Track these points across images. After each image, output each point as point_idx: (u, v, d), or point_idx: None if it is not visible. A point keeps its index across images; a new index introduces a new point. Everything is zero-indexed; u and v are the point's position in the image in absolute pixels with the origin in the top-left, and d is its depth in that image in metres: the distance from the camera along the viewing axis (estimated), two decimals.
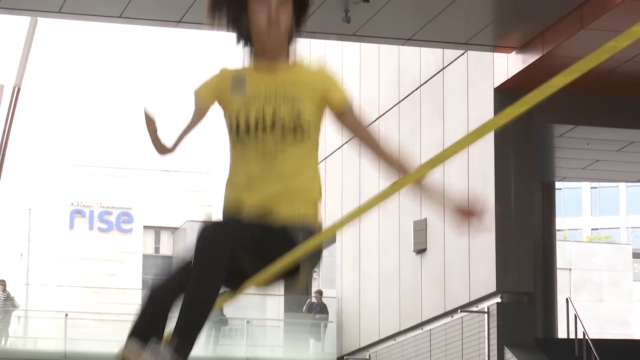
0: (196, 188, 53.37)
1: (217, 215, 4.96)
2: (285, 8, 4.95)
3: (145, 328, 4.83)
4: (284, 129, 4.90)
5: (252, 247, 4.77)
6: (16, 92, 24.76)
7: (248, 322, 37.12)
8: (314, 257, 4.92)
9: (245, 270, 4.84)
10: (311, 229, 4.84)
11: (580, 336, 26.33)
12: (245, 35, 5.01)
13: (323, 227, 4.95)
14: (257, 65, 5.03)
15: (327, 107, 5.02)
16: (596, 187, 55.04)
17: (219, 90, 5.01)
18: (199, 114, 5.06)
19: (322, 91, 5.00)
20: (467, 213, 4.84)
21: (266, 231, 4.76)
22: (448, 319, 27.43)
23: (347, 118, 5.02)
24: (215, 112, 5.05)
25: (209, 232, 4.71)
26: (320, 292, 33.85)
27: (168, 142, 5.03)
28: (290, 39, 5.04)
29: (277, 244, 4.73)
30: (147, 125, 4.79)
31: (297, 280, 4.87)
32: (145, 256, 50.70)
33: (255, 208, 4.84)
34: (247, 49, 5.07)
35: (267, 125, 4.89)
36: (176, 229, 52.22)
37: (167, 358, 4.56)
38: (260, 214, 4.81)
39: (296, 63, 5.09)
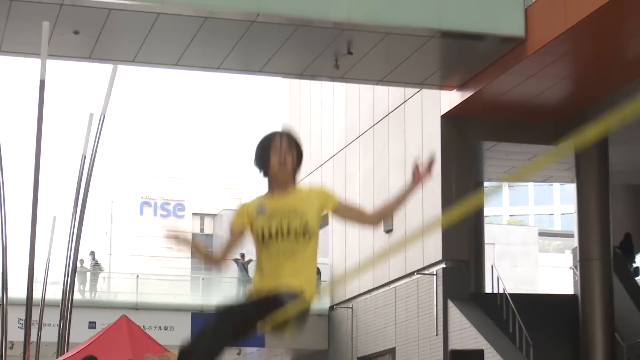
0: (229, 186, 52.90)
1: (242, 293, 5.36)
2: (290, 155, 5.25)
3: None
4: (296, 235, 5.11)
5: (260, 316, 5.00)
6: (102, 118, 24.58)
7: None
8: (302, 319, 5.17)
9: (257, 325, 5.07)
10: (305, 301, 5.08)
11: (501, 291, 26.25)
12: (267, 173, 5.28)
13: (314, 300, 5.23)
14: (273, 192, 5.26)
15: (325, 211, 5.26)
16: (512, 186, 54.95)
17: (246, 219, 5.22)
18: (236, 238, 5.30)
19: (319, 203, 5.25)
20: (421, 172, 5.14)
21: (272, 303, 4.96)
22: (408, 279, 27.23)
23: (340, 210, 5.35)
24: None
25: (226, 313, 5.06)
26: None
27: (216, 255, 5.43)
28: (294, 174, 5.33)
29: (275, 306, 4.95)
30: (192, 248, 5.32)
31: (287, 330, 5.14)
32: (193, 234, 50.35)
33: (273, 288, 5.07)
34: (267, 181, 5.31)
35: (284, 233, 5.10)
36: (215, 215, 51.95)
37: None
38: (275, 290, 5.05)
39: (299, 187, 5.35)
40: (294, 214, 5.15)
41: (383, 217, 5.44)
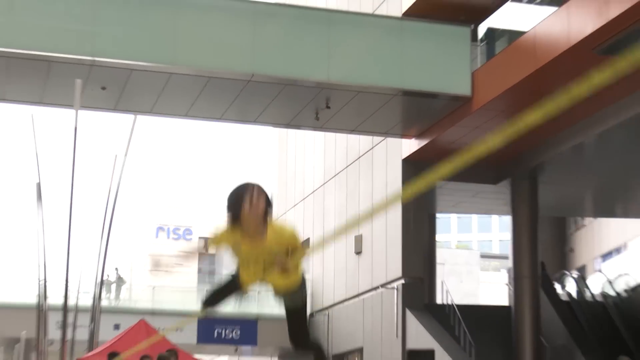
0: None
1: None
2: (260, 203, 5.11)
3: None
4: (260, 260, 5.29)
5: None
6: (125, 159, 24.61)
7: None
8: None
9: None
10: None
11: (449, 303, 26.26)
12: (238, 217, 5.17)
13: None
14: (244, 233, 5.22)
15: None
16: (460, 216, 55.31)
17: (222, 245, 5.48)
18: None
19: (287, 244, 5.28)
20: None
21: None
22: (374, 292, 27.18)
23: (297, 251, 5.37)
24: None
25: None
26: None
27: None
28: (264, 218, 5.20)
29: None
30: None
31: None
32: (199, 255, 50.88)
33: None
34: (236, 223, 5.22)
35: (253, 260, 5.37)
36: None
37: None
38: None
39: (271, 229, 5.24)
40: (265, 255, 5.23)
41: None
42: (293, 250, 5.28)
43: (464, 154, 3.34)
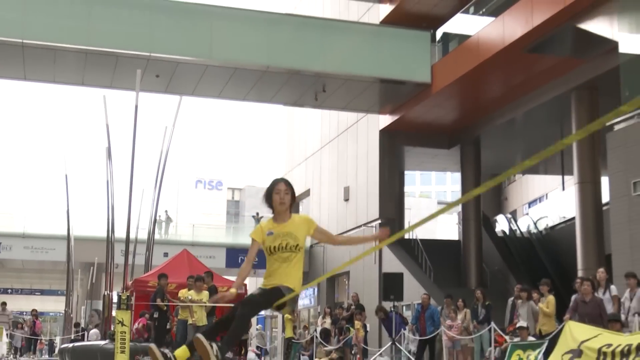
0: (249, 171, 53.14)
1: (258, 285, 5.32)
2: (287, 196, 5.09)
3: (211, 334, 4.97)
4: (290, 250, 5.02)
5: (269, 302, 5.07)
6: (173, 129, 24.52)
7: None
8: (294, 301, 5.23)
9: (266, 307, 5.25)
10: (294, 291, 5.03)
11: (414, 237, 25.81)
12: (271, 206, 5.13)
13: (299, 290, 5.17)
14: (277, 220, 5.12)
15: (308, 233, 5.10)
16: (422, 173, 54.86)
17: (260, 237, 5.08)
18: (256, 246, 5.16)
19: (306, 228, 5.09)
20: (382, 235, 5.23)
21: (276, 294, 4.99)
22: (358, 229, 26.77)
23: (317, 234, 5.14)
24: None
25: (249, 300, 5.13)
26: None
27: (245, 270, 5.36)
28: (290, 207, 5.14)
29: (278, 297, 4.99)
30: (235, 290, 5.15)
31: (285, 310, 5.23)
32: (227, 201, 50.36)
33: (273, 285, 5.05)
34: (271, 213, 5.18)
35: (284, 248, 5.03)
36: (242, 188, 51.98)
37: (218, 348, 4.72)
38: (275, 286, 5.03)
39: (293, 216, 5.16)
40: (290, 236, 5.05)
41: (344, 244, 5.54)
42: (309, 229, 5.13)
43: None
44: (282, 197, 5.09)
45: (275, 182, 5.17)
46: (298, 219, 5.18)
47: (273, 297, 5.01)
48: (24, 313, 38.31)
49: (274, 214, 5.18)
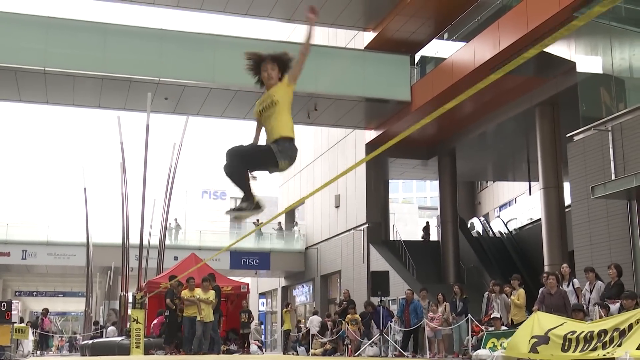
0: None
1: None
2: (273, 71, 4.78)
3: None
4: (268, 107, 4.67)
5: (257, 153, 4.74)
6: (180, 146, 24.58)
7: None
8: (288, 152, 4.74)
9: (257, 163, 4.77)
10: (284, 141, 4.67)
11: (398, 239, 26.07)
12: (260, 80, 4.86)
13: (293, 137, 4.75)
14: (265, 90, 4.79)
15: (290, 86, 4.76)
16: (404, 181, 54.70)
17: (257, 107, 4.78)
18: (259, 118, 4.85)
19: (285, 85, 4.74)
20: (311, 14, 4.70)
21: (265, 150, 4.66)
22: (348, 232, 26.84)
23: (292, 78, 4.77)
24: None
25: (232, 150, 4.68)
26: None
27: (256, 135, 4.94)
28: (279, 77, 4.79)
29: (269, 155, 4.63)
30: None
31: (283, 165, 4.74)
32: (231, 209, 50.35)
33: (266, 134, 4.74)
34: (260, 84, 4.88)
35: (266, 106, 4.71)
36: None
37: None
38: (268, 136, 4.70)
39: (279, 83, 4.77)
40: (269, 97, 4.72)
41: (304, 52, 4.72)
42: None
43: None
44: (269, 73, 4.79)
45: (260, 61, 4.83)
46: (279, 84, 4.82)
47: (262, 151, 4.73)
48: (50, 313, 38.07)
49: (263, 86, 4.92)
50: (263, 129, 4.87)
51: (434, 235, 29.15)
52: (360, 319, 17.80)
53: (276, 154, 4.65)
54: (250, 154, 4.76)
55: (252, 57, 4.86)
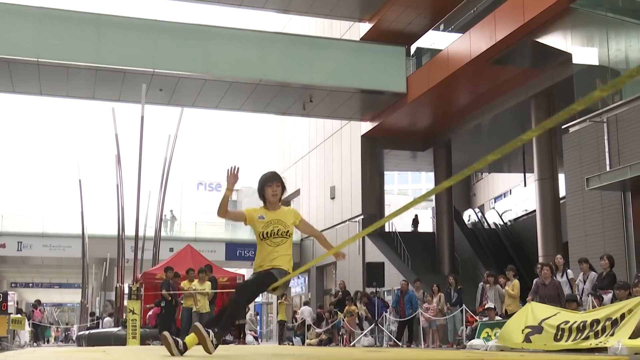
0: (245, 173, 52.80)
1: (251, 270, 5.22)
2: (279, 189, 5.06)
3: (213, 323, 4.84)
4: (282, 235, 4.99)
5: (263, 284, 4.95)
6: (175, 137, 24.53)
7: None
8: (286, 285, 5.16)
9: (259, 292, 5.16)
10: (287, 273, 4.96)
11: (394, 230, 26.01)
12: (264, 199, 5.12)
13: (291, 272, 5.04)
14: (268, 208, 5.08)
15: (295, 223, 5.08)
16: (400, 172, 54.60)
17: (251, 216, 5.04)
18: (236, 216, 5.16)
19: (293, 218, 5.07)
20: (340, 257, 5.29)
21: (269, 277, 4.91)
22: (343, 224, 26.76)
23: (300, 225, 5.14)
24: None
25: (242, 286, 5.17)
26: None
27: (223, 206, 4.94)
28: (280, 198, 5.11)
29: (272, 280, 4.91)
30: (229, 190, 4.89)
31: (278, 291, 5.05)
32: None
33: (266, 267, 4.96)
34: (263, 201, 5.14)
35: (276, 234, 4.98)
36: (238, 190, 51.78)
37: (214, 335, 4.66)
38: (268, 268, 4.96)
39: (283, 207, 5.14)
40: (280, 223, 5.04)
41: (318, 239, 5.41)
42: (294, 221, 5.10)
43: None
44: (274, 189, 5.07)
45: (270, 180, 5.11)
46: (287, 210, 5.17)
47: (267, 279, 4.93)
48: (45, 304, 38.08)
49: (265, 204, 5.15)
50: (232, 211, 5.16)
51: (429, 227, 29.18)
52: (357, 310, 17.83)
53: (281, 285, 5.01)
54: (257, 286, 5.09)
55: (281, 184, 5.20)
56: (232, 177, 4.84)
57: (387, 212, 29.00)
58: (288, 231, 5.02)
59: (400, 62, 22.00)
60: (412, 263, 23.80)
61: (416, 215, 30.10)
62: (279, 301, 22.75)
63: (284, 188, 5.17)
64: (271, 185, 5.09)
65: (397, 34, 22.31)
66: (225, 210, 4.96)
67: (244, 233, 31.25)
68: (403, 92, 21.76)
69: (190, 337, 4.80)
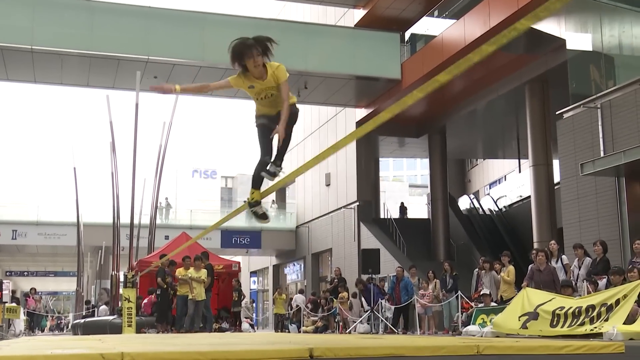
0: (239, 161, 52.75)
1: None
2: (259, 57, 4.86)
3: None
4: (272, 93, 5.05)
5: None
6: (170, 124, 24.48)
7: None
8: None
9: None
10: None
11: (389, 217, 26.17)
12: (245, 68, 4.95)
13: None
14: (254, 76, 4.96)
15: (278, 81, 4.97)
16: (395, 159, 54.39)
17: (240, 85, 5.03)
18: (222, 85, 5.20)
19: (282, 77, 5.01)
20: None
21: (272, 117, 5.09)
22: (339, 211, 26.87)
23: (282, 86, 5.02)
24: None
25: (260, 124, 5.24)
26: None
27: (199, 85, 5.29)
28: (264, 63, 4.92)
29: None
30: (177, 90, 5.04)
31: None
32: (221, 188, 50.23)
33: (262, 115, 5.17)
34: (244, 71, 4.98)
35: (269, 97, 5.07)
36: (234, 177, 51.85)
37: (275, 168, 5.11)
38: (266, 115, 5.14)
39: (268, 69, 4.98)
40: (271, 89, 5.05)
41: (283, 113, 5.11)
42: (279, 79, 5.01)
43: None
44: (255, 60, 4.88)
45: (245, 55, 4.87)
46: (275, 70, 5.01)
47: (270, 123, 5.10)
48: (40, 293, 38.03)
49: (247, 72, 4.99)
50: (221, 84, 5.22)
51: (424, 213, 29.18)
52: (346, 295, 17.85)
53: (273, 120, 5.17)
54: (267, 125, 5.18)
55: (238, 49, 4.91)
56: (159, 88, 5.13)
57: (382, 199, 29.08)
58: (273, 94, 5.09)
59: (395, 48, 21.95)
60: (407, 249, 23.81)
61: (402, 203, 30.11)
62: (273, 296, 22.80)
63: (265, 49, 4.91)
64: (251, 58, 4.88)
65: (392, 20, 22.22)
66: (200, 88, 5.25)
67: (239, 221, 31.22)
68: (398, 79, 21.72)
69: (257, 194, 5.40)
